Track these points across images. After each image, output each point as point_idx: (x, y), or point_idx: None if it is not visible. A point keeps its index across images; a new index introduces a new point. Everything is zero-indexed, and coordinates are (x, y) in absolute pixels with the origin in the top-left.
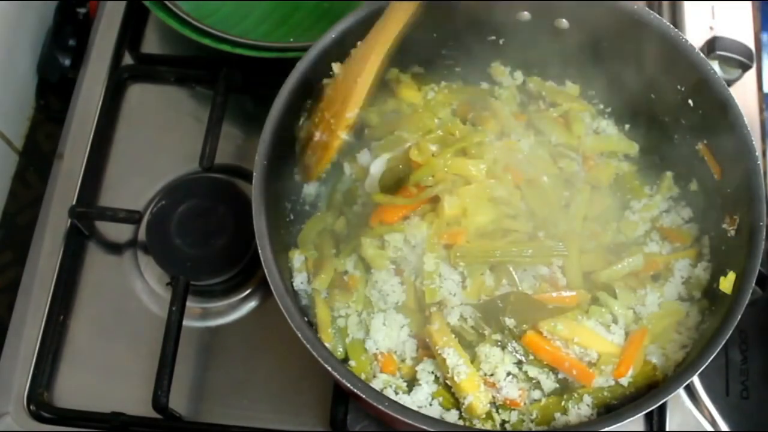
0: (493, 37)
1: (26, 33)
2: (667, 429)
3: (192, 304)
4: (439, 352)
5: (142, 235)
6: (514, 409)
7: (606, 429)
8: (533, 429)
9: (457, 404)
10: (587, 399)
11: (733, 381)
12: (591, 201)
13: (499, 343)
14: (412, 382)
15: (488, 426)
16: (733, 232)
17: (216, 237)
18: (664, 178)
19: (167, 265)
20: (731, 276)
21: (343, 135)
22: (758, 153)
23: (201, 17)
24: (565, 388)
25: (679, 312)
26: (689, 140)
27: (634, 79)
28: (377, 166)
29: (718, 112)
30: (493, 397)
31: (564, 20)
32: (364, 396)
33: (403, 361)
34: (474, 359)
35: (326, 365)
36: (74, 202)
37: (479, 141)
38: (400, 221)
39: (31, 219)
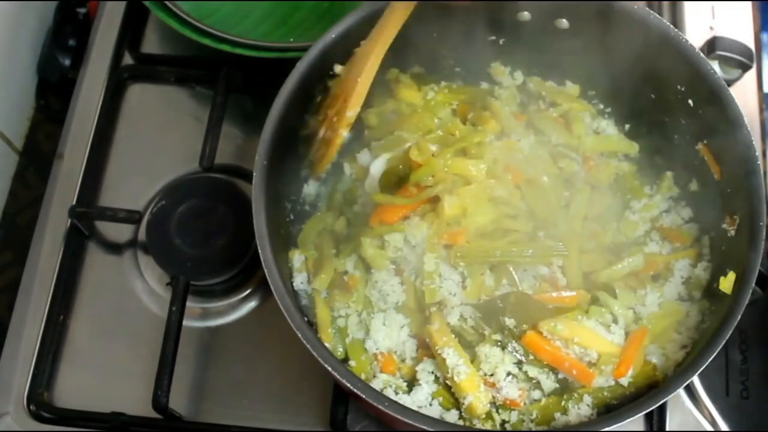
0: (493, 37)
1: (26, 33)
2: (667, 429)
3: (192, 304)
4: (439, 352)
5: (142, 235)
6: (514, 409)
7: (606, 429)
8: (533, 429)
9: (457, 404)
10: (587, 399)
11: (733, 381)
12: (591, 201)
13: (499, 343)
14: (412, 382)
15: (488, 426)
16: (733, 232)
17: (216, 237)
18: (664, 178)
19: (167, 265)
20: (731, 276)
21: (345, 133)
22: (758, 153)
23: (201, 17)
24: (565, 388)
25: (679, 312)
26: (689, 140)
27: (634, 79)
28: (377, 166)
29: (718, 113)
30: (493, 397)
31: (564, 20)
32: (364, 396)
33: (403, 361)
34: (474, 359)
35: (326, 365)
36: (74, 202)
37: (479, 141)
38: (400, 221)
39: (31, 219)
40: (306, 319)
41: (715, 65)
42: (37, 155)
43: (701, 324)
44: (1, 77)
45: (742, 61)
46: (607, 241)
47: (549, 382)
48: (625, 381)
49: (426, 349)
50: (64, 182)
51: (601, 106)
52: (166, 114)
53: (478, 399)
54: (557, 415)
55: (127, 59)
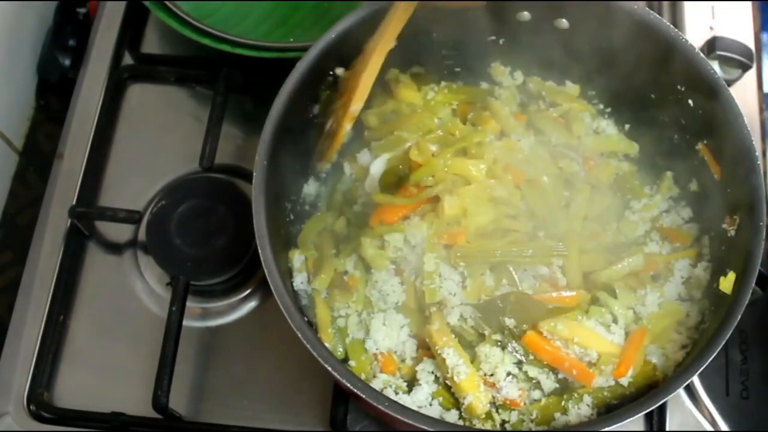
0: (493, 37)
1: (26, 33)
2: (667, 429)
3: (192, 304)
4: (439, 352)
5: (142, 235)
6: (514, 409)
7: (606, 429)
8: (533, 429)
9: (457, 404)
10: (587, 399)
11: (733, 381)
12: (591, 201)
13: (499, 343)
14: (412, 382)
15: (488, 426)
16: (733, 232)
17: (216, 237)
18: (664, 178)
19: (167, 265)
20: (731, 276)
21: (348, 126)
22: (758, 153)
23: (201, 17)
24: (565, 388)
25: (679, 312)
26: (689, 140)
27: (634, 79)
28: (377, 166)
29: (718, 113)
30: (493, 397)
31: (564, 20)
32: (364, 396)
33: (403, 361)
34: (474, 359)
35: (326, 365)
36: (74, 202)
37: (479, 141)
38: (400, 221)
39: (31, 219)
40: (306, 319)
41: (715, 65)
42: (37, 155)
43: (701, 324)
44: (1, 77)
45: (742, 61)
46: (607, 241)
47: (549, 382)
48: (625, 381)
49: (426, 349)
50: (64, 182)
51: (601, 106)
52: (166, 114)
53: (478, 399)
54: (557, 415)
55: (127, 59)
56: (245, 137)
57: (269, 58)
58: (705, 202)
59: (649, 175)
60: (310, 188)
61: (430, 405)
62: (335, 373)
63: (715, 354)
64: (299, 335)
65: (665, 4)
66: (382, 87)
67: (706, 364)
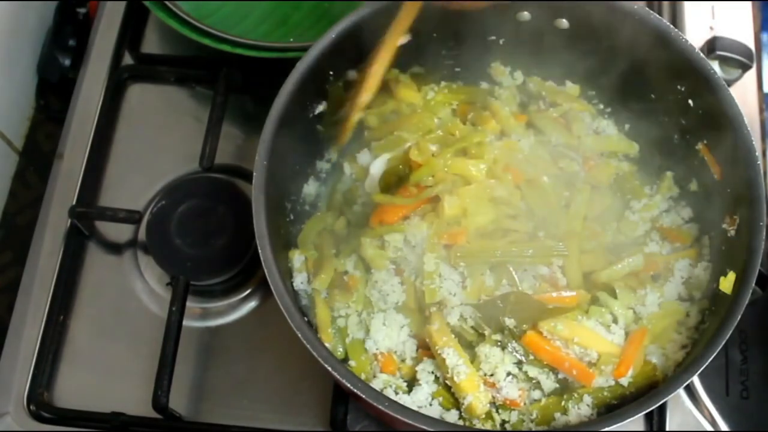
0: (493, 37)
1: (26, 33)
2: (667, 429)
3: (192, 304)
4: (439, 352)
5: (142, 235)
6: (514, 409)
7: (606, 429)
8: (533, 429)
9: (457, 404)
10: (587, 399)
11: (733, 381)
12: (591, 201)
13: (499, 343)
14: (412, 382)
15: (488, 426)
16: (733, 232)
17: (216, 237)
18: (664, 178)
19: (167, 265)
20: (731, 276)
21: (357, 117)
22: (758, 153)
23: (201, 17)
24: (565, 388)
25: (679, 312)
26: (689, 140)
27: (633, 79)
28: (377, 166)
29: (718, 112)
30: (493, 397)
31: (564, 20)
32: (364, 396)
33: (403, 361)
34: (474, 359)
35: (326, 365)
36: (74, 202)
37: (479, 141)
38: (400, 221)
39: (31, 219)
40: (306, 319)
41: (715, 65)
42: (37, 155)
43: (701, 324)
44: (1, 77)
45: (742, 61)
46: (607, 241)
47: (549, 382)
48: (625, 381)
49: (426, 349)
50: (64, 182)
51: (601, 106)
52: (166, 114)
53: (477, 399)
54: (557, 415)
55: (127, 59)
56: (245, 137)
57: (269, 58)
58: (705, 202)
59: (649, 175)
60: (310, 188)
61: (430, 405)
62: (335, 373)
63: (715, 354)
64: (299, 335)
65: (665, 4)
66: (382, 87)
67: (706, 364)
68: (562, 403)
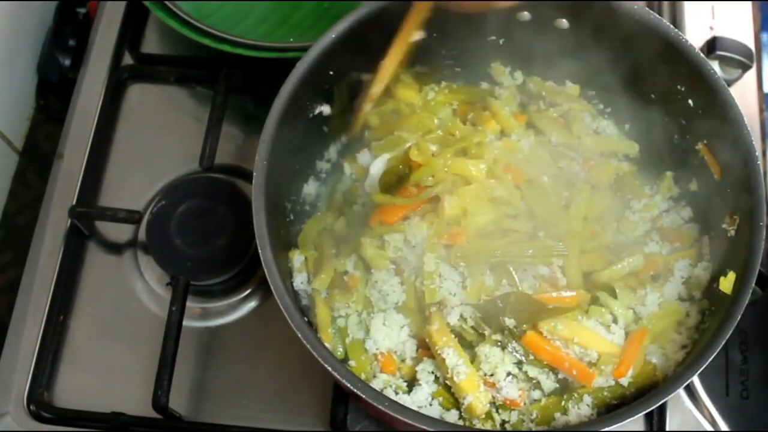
0: (493, 37)
1: (26, 33)
2: (667, 429)
3: (192, 304)
4: (438, 352)
5: (142, 235)
6: (514, 409)
7: (606, 429)
8: (533, 429)
9: (457, 404)
10: (587, 399)
11: (733, 381)
12: (591, 201)
13: (499, 343)
14: (412, 382)
15: (488, 426)
16: (733, 232)
17: (216, 237)
18: (664, 178)
19: (167, 265)
20: (731, 276)
21: (369, 107)
22: (758, 153)
23: (201, 17)
24: (565, 388)
25: (679, 312)
26: (689, 140)
27: (634, 79)
28: (377, 166)
29: (718, 112)
30: (493, 397)
31: (564, 20)
32: (364, 396)
33: (403, 361)
34: (474, 359)
35: (326, 365)
36: (74, 202)
37: (479, 141)
38: (400, 221)
39: (31, 219)
40: (306, 319)
41: (715, 65)
42: (37, 155)
43: (701, 324)
44: (1, 77)
45: (742, 61)
46: (607, 241)
47: (549, 382)
48: (625, 381)
49: (426, 349)
50: (64, 182)
51: (601, 106)
52: (166, 114)
53: (477, 399)
54: (557, 415)
55: (127, 59)
56: (245, 137)
57: (269, 58)
58: (705, 202)
59: (649, 175)
60: (310, 188)
61: (430, 405)
62: (335, 373)
63: (715, 354)
64: (299, 335)
65: (665, 4)
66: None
67: (706, 364)
68: (562, 403)
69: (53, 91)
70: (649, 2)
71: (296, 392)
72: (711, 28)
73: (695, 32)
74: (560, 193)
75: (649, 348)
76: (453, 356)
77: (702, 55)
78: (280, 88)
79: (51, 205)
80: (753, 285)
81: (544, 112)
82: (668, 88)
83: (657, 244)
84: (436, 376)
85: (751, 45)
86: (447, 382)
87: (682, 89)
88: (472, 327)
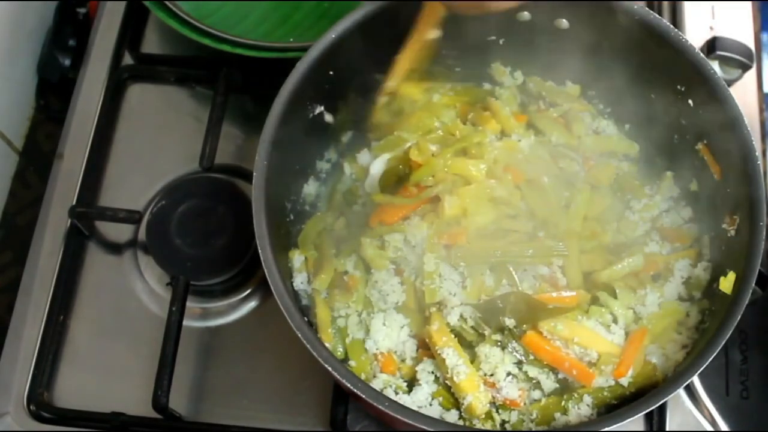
0: (493, 37)
1: (26, 33)
2: (667, 429)
3: (192, 304)
4: (438, 352)
5: (142, 235)
6: (514, 409)
7: (606, 429)
8: (533, 429)
9: (457, 404)
10: (587, 399)
11: (733, 381)
12: (591, 201)
13: (499, 343)
14: (412, 382)
15: (488, 426)
16: (733, 232)
17: (216, 237)
18: (664, 178)
19: (167, 265)
20: (731, 276)
21: (383, 99)
22: (758, 153)
23: (201, 17)
24: (565, 388)
25: (679, 312)
26: (689, 140)
27: (633, 79)
28: (377, 166)
29: (718, 112)
30: (493, 397)
31: (564, 20)
32: (364, 396)
33: (403, 361)
34: (474, 359)
35: (326, 365)
36: (74, 202)
37: (479, 141)
38: (400, 221)
39: (31, 219)
40: (306, 319)
41: (715, 65)
42: (37, 155)
43: (701, 324)
44: (1, 77)
45: (742, 61)
46: (607, 241)
47: (549, 382)
48: (625, 381)
49: (426, 349)
50: (64, 182)
51: (601, 106)
52: (166, 114)
53: (477, 399)
54: (557, 415)
55: (127, 59)
56: (245, 137)
57: (269, 58)
58: (705, 202)
59: (649, 175)
60: (310, 188)
61: (430, 405)
62: (335, 373)
63: (715, 354)
64: (299, 335)
65: (665, 4)
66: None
67: (706, 364)
68: (562, 403)
69: (53, 91)
70: (649, 2)
71: (296, 392)
72: (711, 28)
73: (695, 32)
74: (560, 193)
75: (649, 348)
76: (453, 356)
77: (702, 55)
78: (280, 88)
79: (51, 205)
80: (753, 285)
81: (545, 112)
82: (668, 88)
83: (657, 244)
84: (436, 376)
85: (751, 45)
86: (447, 382)
87: (682, 89)
88: (472, 327)
